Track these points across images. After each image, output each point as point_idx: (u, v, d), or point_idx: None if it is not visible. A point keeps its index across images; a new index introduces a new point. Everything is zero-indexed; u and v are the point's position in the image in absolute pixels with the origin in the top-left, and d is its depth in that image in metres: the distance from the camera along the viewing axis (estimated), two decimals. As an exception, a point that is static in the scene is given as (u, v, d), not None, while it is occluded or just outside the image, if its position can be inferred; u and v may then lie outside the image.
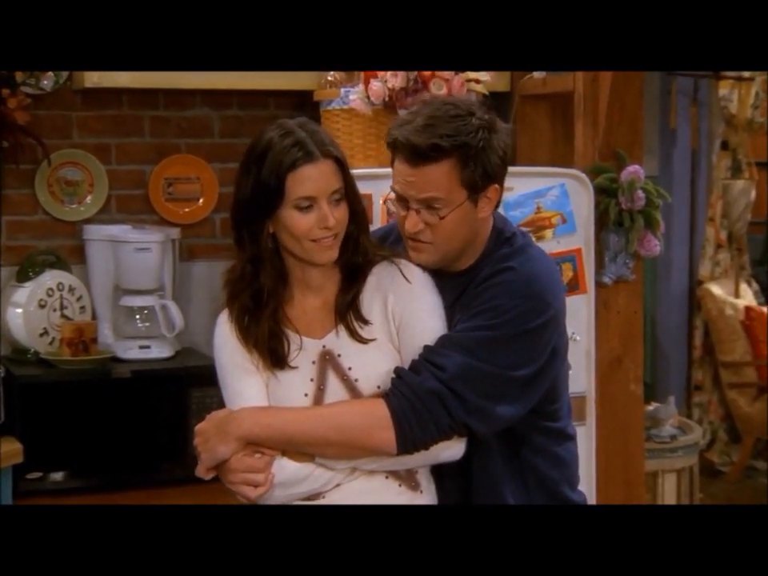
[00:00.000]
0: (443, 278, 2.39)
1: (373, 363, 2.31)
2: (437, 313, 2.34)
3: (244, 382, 2.34)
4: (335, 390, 2.31)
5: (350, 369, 2.31)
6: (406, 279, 2.34)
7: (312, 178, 2.26)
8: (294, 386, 2.32)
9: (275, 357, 2.32)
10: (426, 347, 2.30)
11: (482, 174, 2.32)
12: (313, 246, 2.29)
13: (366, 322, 2.33)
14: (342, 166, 2.30)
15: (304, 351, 2.33)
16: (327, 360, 2.32)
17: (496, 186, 2.37)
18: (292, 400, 2.31)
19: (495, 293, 2.31)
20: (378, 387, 2.29)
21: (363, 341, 2.32)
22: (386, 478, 2.31)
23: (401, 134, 2.31)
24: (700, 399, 6.34)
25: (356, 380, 2.31)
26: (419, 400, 2.24)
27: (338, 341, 2.33)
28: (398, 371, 2.29)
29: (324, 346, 2.33)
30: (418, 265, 2.38)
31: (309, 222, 2.27)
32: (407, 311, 2.33)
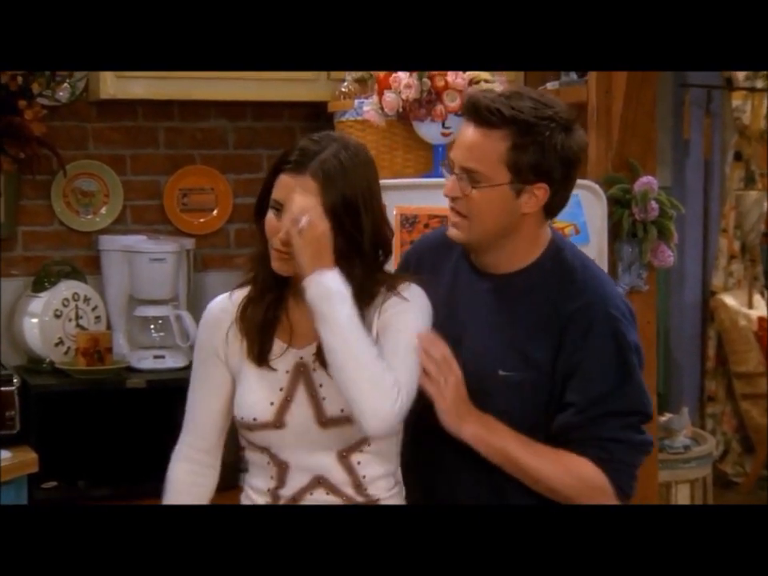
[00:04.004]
0: (488, 280, 2.36)
1: None
2: (422, 321, 2.25)
3: (212, 372, 2.33)
4: (301, 404, 2.24)
5: (320, 386, 2.24)
6: (404, 298, 2.25)
7: (285, 186, 2.21)
8: (264, 389, 2.26)
9: (259, 352, 2.27)
10: (590, 418, 2.29)
11: (532, 163, 2.25)
12: (272, 251, 2.23)
13: None
14: (327, 189, 2.18)
15: (282, 358, 2.27)
16: (301, 372, 2.26)
17: (545, 185, 2.28)
18: (258, 402, 2.26)
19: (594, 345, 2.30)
20: (342, 411, 2.20)
21: None
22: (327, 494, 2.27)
23: (476, 93, 2.32)
24: (713, 410, 6.33)
25: (323, 398, 2.23)
26: (635, 468, 2.35)
27: (316, 355, 2.25)
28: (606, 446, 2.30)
29: (301, 358, 2.27)
30: (453, 240, 2.34)
31: (273, 226, 2.22)
32: (394, 316, 2.24)
